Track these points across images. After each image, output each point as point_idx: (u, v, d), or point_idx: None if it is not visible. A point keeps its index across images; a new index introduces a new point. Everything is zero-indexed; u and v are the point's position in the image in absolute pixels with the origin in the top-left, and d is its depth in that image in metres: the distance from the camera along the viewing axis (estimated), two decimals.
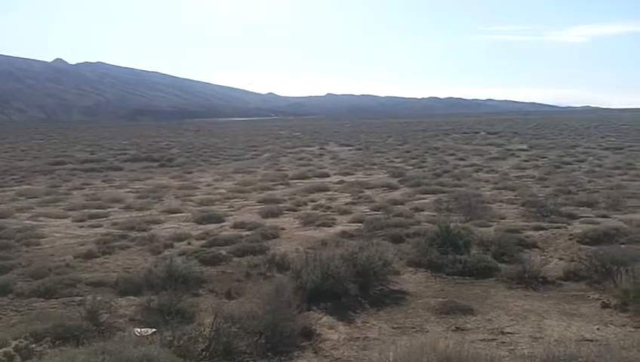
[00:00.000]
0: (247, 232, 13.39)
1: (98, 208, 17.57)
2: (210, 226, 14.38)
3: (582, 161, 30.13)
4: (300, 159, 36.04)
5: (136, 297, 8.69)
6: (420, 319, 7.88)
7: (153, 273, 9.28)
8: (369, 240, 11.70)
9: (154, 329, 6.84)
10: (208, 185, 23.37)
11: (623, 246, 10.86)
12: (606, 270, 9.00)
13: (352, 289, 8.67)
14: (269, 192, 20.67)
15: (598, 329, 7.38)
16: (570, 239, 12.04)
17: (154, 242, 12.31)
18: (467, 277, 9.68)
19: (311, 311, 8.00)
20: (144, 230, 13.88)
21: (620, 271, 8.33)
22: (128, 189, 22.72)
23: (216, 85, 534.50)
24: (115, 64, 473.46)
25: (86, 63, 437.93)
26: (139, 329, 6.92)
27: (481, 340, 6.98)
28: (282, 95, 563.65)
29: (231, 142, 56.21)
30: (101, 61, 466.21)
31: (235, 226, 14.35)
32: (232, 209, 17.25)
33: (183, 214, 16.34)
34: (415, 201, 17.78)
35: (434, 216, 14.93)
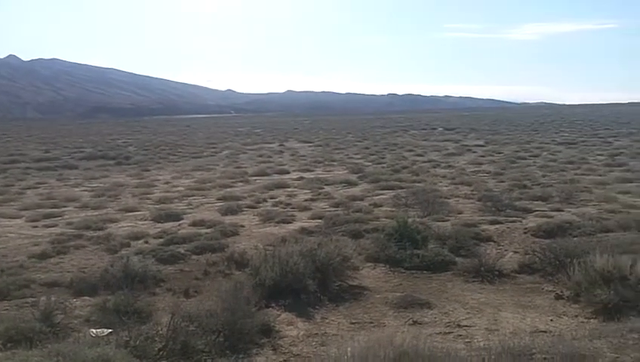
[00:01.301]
0: (206, 230, 13.30)
1: (53, 207, 17.23)
2: (168, 224, 14.23)
3: (536, 156, 30.71)
4: (260, 156, 35.94)
5: (91, 297, 8.55)
6: (378, 314, 7.95)
7: (109, 272, 9.14)
8: (328, 236, 11.72)
9: (110, 330, 6.74)
10: (166, 183, 23.14)
11: (575, 238, 11.10)
12: (559, 262, 9.19)
13: (311, 285, 8.66)
14: (229, 190, 20.58)
15: (551, 320, 7.54)
16: (524, 232, 12.29)
17: (110, 241, 12.11)
18: (425, 272, 9.80)
19: (270, 308, 8.00)
20: (100, 229, 13.65)
21: (573, 264, 8.49)
22: (84, 188, 22.34)
23: (175, 82, 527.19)
24: (71, 61, 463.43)
25: (40, 60, 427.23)
26: (94, 330, 6.81)
27: (438, 333, 7.07)
28: (242, 92, 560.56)
29: (189, 139, 55.74)
30: (56, 58, 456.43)
31: (194, 224, 14.24)
32: (190, 207, 17.12)
33: (140, 213, 16.14)
34: (374, 197, 17.90)
35: (392, 211, 15.06)
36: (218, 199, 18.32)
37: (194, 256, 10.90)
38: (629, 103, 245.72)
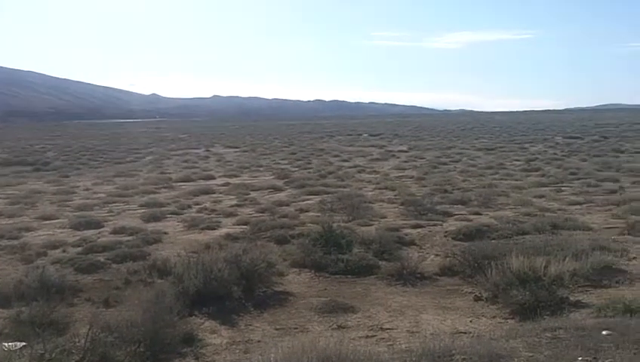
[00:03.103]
0: (128, 237, 13.02)
1: None
2: (88, 232, 13.86)
3: (457, 161, 31.49)
4: (185, 161, 35.56)
5: (4, 309, 8.19)
6: (303, 319, 7.96)
7: (24, 283, 8.80)
8: (254, 242, 11.70)
9: (24, 343, 6.46)
10: (87, 190, 22.57)
11: (493, 241, 11.43)
12: (478, 265, 9.43)
13: (235, 292, 8.63)
14: (152, 196, 20.24)
15: (471, 321, 7.74)
16: (445, 236, 12.58)
17: (25, 250, 11.68)
18: (349, 276, 9.89)
19: (193, 316, 7.89)
20: (15, 238, 13.12)
21: (491, 266, 8.72)
22: None
23: (97, 86, 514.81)
24: None
25: None
26: (7, 344, 6.52)
27: (362, 337, 7.15)
28: (167, 96, 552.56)
29: (112, 144, 54.43)
30: None
31: (115, 232, 13.91)
32: (111, 214, 16.72)
33: (58, 220, 15.64)
34: (300, 202, 17.94)
35: (318, 216, 15.13)
36: (141, 206, 17.96)
37: (114, 265, 10.63)
38: (544, 110, 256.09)
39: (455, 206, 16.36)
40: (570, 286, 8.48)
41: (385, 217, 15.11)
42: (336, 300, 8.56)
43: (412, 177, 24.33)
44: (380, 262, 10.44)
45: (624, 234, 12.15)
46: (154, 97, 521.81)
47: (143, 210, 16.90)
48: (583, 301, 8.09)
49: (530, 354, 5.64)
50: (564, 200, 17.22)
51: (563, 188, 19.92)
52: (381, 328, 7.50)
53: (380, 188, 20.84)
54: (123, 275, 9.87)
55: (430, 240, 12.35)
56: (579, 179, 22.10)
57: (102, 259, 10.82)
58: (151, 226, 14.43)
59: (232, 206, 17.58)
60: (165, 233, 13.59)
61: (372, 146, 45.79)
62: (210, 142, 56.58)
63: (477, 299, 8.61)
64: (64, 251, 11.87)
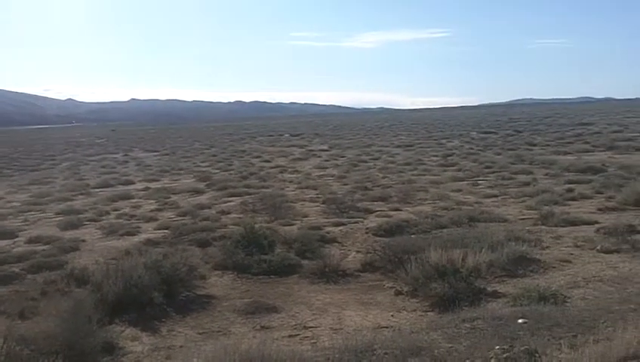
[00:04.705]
0: (44, 247, 12.66)
1: None
2: (2, 243, 13.39)
3: (377, 159, 31.82)
4: (103, 167, 34.82)
5: None
6: (226, 322, 7.94)
7: None
8: (175, 246, 11.56)
9: None
10: (0, 199, 21.65)
11: (412, 236, 11.70)
12: (398, 259, 9.62)
13: (156, 297, 8.47)
14: (69, 203, 19.71)
15: (392, 316, 7.90)
16: (366, 232, 12.76)
17: None
18: (272, 276, 9.92)
19: (113, 325, 7.71)
20: None
21: (411, 260, 8.93)
22: None
23: (7, 91, 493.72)
24: None
25: None
26: None
27: (285, 336, 7.20)
28: (83, 101, 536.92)
29: (26, 151, 52.44)
30: None
31: (30, 241, 13.49)
32: (27, 223, 16.20)
33: None
34: (222, 205, 17.79)
35: (240, 218, 15.05)
36: (57, 213, 17.43)
37: (30, 275, 10.32)
38: (460, 107, 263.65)
39: (375, 203, 16.60)
40: (487, 276, 8.80)
41: (307, 216, 15.20)
42: (259, 301, 8.58)
43: (333, 176, 24.54)
44: (303, 261, 10.52)
45: (538, 225, 12.64)
46: (70, 102, 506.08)
47: (59, 218, 16.43)
48: (500, 291, 8.38)
49: (450, 345, 5.81)
50: (480, 194, 17.76)
51: (479, 182, 20.50)
52: (304, 326, 7.57)
53: (301, 188, 20.94)
54: (39, 286, 9.57)
55: (351, 237, 12.52)
56: (494, 172, 22.77)
57: (17, 270, 10.51)
58: (68, 234, 14.03)
59: (152, 210, 17.29)
60: (83, 241, 13.25)
61: (293, 146, 45.88)
62: (129, 146, 55.34)
63: (398, 293, 8.79)
64: None
